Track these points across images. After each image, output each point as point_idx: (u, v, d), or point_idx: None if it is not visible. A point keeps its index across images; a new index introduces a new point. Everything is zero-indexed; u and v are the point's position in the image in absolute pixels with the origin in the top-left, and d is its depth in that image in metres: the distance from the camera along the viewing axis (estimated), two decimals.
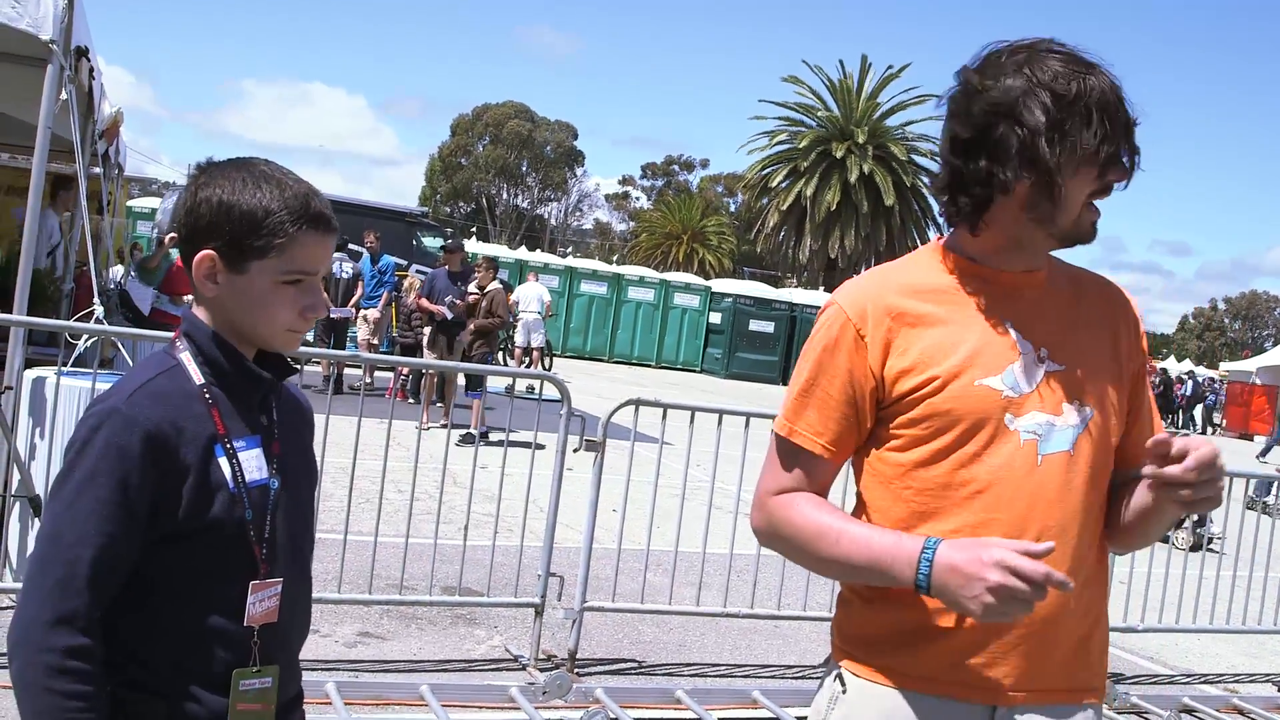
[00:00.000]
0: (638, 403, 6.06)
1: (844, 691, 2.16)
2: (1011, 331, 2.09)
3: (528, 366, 21.85)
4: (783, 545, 2.17)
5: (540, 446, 6.41)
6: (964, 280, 2.14)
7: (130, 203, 27.96)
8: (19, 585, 3.54)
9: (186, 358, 1.95)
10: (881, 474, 2.14)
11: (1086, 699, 2.14)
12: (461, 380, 15.22)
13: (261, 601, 1.93)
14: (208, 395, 1.92)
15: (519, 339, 22.43)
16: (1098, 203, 2.06)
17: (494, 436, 11.08)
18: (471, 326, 13.76)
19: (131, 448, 1.81)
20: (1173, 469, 1.88)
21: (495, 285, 14.11)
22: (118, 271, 15.91)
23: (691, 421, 6.26)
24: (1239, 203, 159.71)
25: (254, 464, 1.94)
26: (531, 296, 22.43)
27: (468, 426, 11.98)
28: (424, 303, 14.30)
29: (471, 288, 14.10)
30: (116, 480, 1.80)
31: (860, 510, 2.20)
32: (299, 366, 2.13)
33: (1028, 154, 1.97)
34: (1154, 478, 1.92)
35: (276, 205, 1.90)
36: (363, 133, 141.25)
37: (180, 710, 1.86)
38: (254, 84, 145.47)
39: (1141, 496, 2.09)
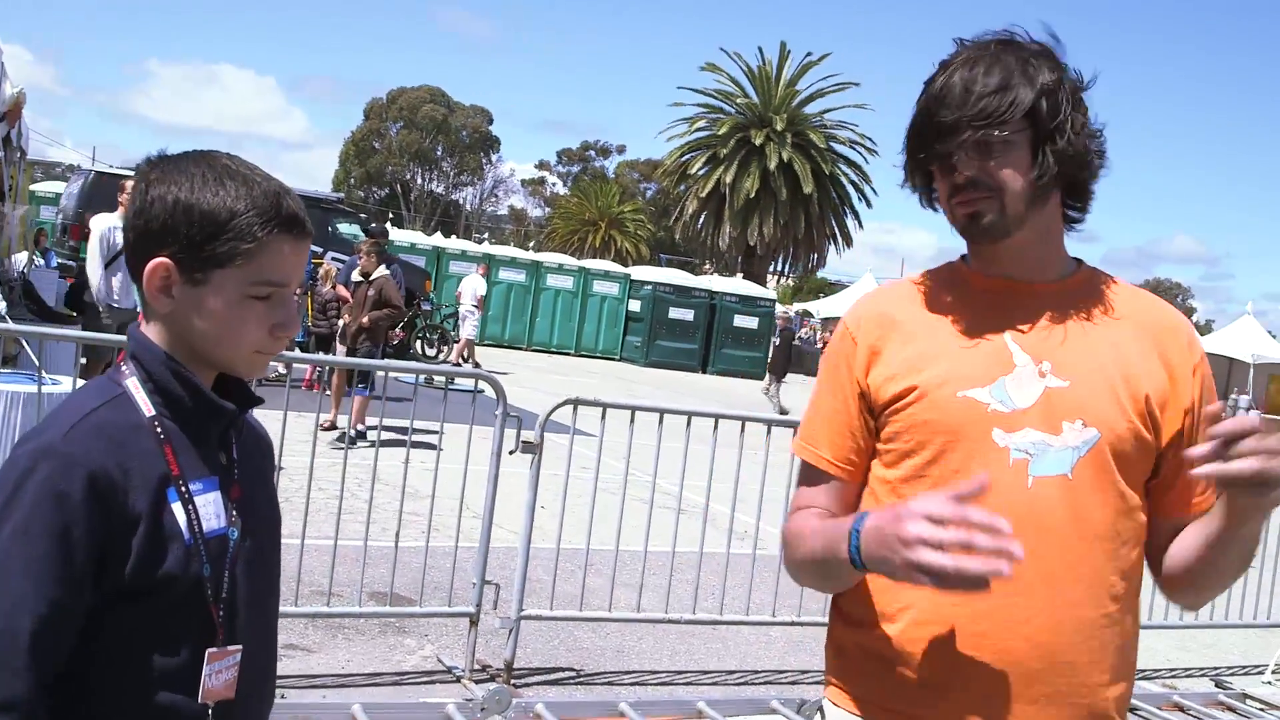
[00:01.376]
0: (576, 402, 5.81)
1: None
2: (1010, 343, 1.94)
3: (465, 358, 21.78)
4: (786, 561, 2.10)
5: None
6: (967, 290, 2.03)
7: (33, 187, 27.09)
8: None
9: (134, 385, 1.67)
10: (875, 493, 2.03)
11: None
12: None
13: (219, 673, 1.66)
14: (159, 429, 1.64)
15: (463, 331, 22.43)
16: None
17: (387, 436, 10.65)
18: (364, 320, 12.04)
19: (72, 494, 1.52)
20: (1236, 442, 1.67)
21: (383, 272, 12.29)
22: (21, 259, 15.32)
23: (632, 421, 6.04)
24: (1144, 191, 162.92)
25: (211, 510, 1.67)
26: (467, 289, 22.47)
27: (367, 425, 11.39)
28: (342, 290, 13.76)
29: (355, 274, 12.47)
30: (56, 533, 1.51)
31: None
32: (262, 398, 1.84)
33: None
34: (1216, 471, 1.70)
35: (243, 205, 1.63)
36: (273, 115, 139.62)
37: None
38: (160, 64, 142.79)
39: (1204, 524, 1.92)
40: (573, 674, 6.00)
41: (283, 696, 5.02)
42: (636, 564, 6.37)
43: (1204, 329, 48.57)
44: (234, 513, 1.71)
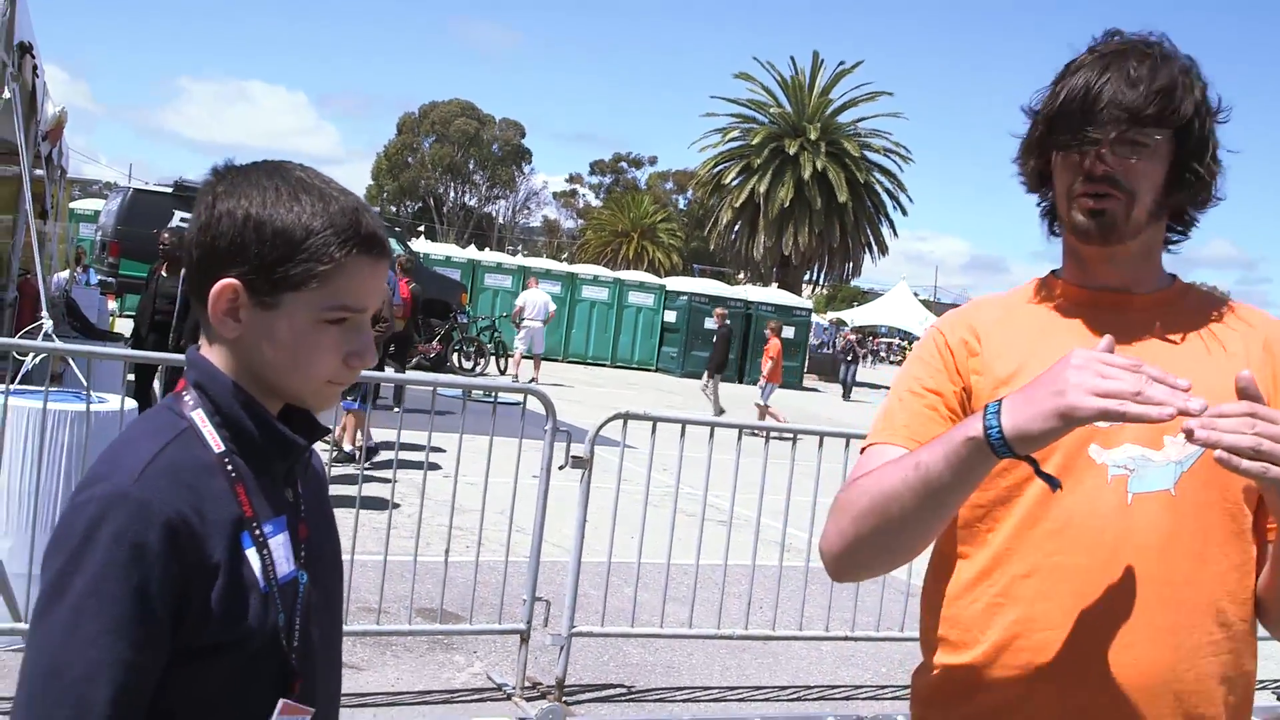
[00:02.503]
0: (627, 416, 5.74)
1: None
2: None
3: (530, 375, 21.91)
4: (841, 516, 1.84)
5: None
6: (1061, 302, 1.95)
7: (72, 204, 27.31)
8: None
9: (200, 417, 1.51)
10: (964, 518, 1.90)
11: None
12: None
13: None
14: (230, 467, 1.49)
15: (520, 345, 22.56)
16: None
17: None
18: None
19: (150, 545, 1.36)
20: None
21: None
22: (63, 277, 15.40)
23: (682, 434, 5.96)
24: None
25: (282, 554, 1.52)
26: (538, 304, 22.69)
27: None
28: None
29: None
30: (133, 589, 1.35)
31: (941, 565, 1.96)
32: (329, 428, 1.69)
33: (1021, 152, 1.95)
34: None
35: (320, 223, 1.48)
36: (305, 130, 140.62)
37: None
38: (192, 81, 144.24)
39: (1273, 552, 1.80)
40: (624, 690, 5.91)
41: None
42: (687, 579, 6.28)
43: None
44: (302, 554, 1.57)
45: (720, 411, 18.66)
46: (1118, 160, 1.79)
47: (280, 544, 1.52)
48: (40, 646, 1.37)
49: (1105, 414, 1.48)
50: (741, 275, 50.62)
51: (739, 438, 6.04)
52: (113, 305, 19.86)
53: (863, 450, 1.96)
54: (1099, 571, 1.76)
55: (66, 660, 1.34)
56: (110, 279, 20.49)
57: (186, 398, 1.54)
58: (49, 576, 1.38)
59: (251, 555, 1.47)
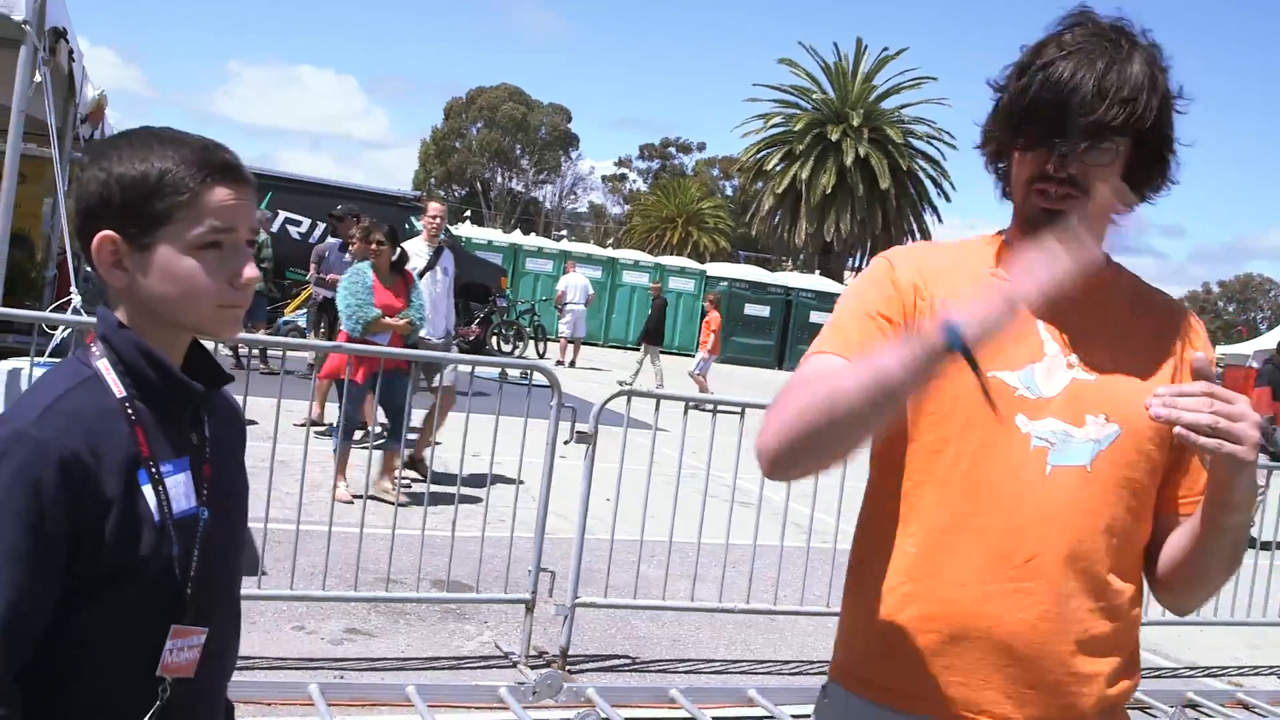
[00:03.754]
0: (630, 393, 5.90)
1: (825, 699, 2.09)
2: (1040, 331, 1.93)
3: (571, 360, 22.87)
4: (781, 417, 1.86)
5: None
6: (1003, 265, 1.99)
7: None
8: None
9: (104, 366, 1.65)
10: (885, 455, 2.00)
11: None
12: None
13: (181, 650, 1.66)
14: (130, 411, 1.63)
15: (564, 330, 23.06)
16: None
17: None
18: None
19: (46, 481, 1.51)
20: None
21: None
22: None
23: (685, 412, 6.11)
24: (1234, 186, 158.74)
25: (181, 491, 1.66)
26: (578, 287, 23.27)
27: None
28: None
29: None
30: (30, 521, 1.50)
31: (868, 520, 2.05)
32: (233, 376, 1.87)
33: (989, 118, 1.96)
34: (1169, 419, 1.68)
35: (172, 162, 1.63)
36: (354, 115, 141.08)
37: None
38: (242, 65, 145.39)
39: (1191, 520, 1.90)
40: (628, 661, 6.08)
41: (340, 677, 5.17)
42: (691, 553, 6.42)
43: None
44: (205, 492, 1.71)
45: (660, 385, 18.96)
46: (1079, 164, 1.84)
47: (180, 482, 1.67)
48: None
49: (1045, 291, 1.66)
50: (788, 263, 50.59)
51: (742, 415, 6.16)
52: None
53: (808, 356, 1.99)
54: (1013, 535, 1.86)
55: None
56: None
57: (93, 349, 1.68)
58: None
59: (147, 491, 1.61)
